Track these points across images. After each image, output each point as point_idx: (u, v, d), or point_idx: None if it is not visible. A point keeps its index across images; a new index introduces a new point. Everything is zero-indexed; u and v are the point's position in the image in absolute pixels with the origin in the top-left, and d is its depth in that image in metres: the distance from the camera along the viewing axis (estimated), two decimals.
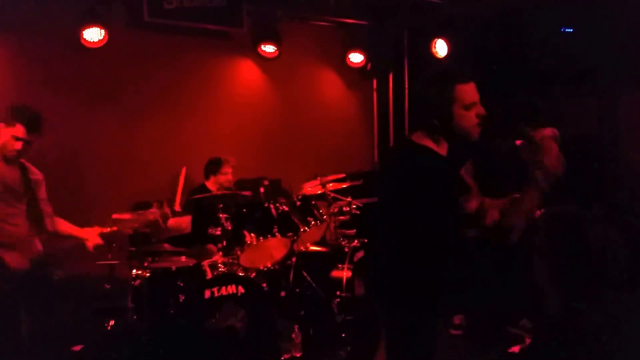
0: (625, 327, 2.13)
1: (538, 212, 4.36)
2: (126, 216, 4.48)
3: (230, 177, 5.92)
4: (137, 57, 6.12)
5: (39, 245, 4.00)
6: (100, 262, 4.56)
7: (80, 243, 4.21)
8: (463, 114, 2.73)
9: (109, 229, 4.26)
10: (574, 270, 2.20)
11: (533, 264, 2.42)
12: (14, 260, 3.81)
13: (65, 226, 4.25)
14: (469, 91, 2.75)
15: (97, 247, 4.19)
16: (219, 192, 5.54)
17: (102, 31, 5.63)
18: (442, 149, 2.85)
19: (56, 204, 4.23)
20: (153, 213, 4.65)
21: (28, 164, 4.09)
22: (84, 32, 5.58)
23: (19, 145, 3.88)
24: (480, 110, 2.76)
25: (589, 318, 2.13)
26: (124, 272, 4.61)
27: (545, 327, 2.38)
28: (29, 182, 4.00)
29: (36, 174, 4.15)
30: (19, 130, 3.84)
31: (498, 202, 3.61)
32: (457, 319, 5.42)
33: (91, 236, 4.19)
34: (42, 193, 4.15)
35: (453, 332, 5.39)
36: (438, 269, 2.81)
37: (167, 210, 5.01)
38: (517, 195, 3.11)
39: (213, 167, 5.93)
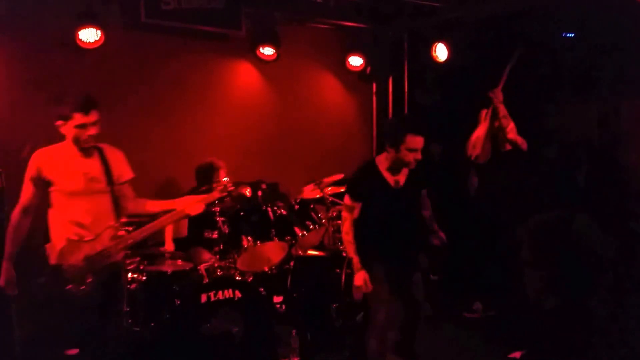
0: (623, 328, 2.12)
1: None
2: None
3: None
4: (134, 59, 6.06)
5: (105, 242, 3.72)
6: None
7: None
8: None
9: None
10: (564, 272, 2.18)
11: (524, 276, 2.44)
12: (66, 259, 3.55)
13: (152, 205, 4.04)
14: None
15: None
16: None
17: (99, 32, 5.55)
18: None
19: None
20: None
21: (104, 145, 3.91)
22: (79, 32, 5.51)
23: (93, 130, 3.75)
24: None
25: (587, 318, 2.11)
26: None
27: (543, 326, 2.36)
28: (110, 169, 3.83)
29: (116, 153, 3.96)
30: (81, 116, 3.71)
31: None
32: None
33: (188, 204, 3.87)
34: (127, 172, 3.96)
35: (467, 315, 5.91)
36: None
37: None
38: None
39: (206, 176, 5.72)
